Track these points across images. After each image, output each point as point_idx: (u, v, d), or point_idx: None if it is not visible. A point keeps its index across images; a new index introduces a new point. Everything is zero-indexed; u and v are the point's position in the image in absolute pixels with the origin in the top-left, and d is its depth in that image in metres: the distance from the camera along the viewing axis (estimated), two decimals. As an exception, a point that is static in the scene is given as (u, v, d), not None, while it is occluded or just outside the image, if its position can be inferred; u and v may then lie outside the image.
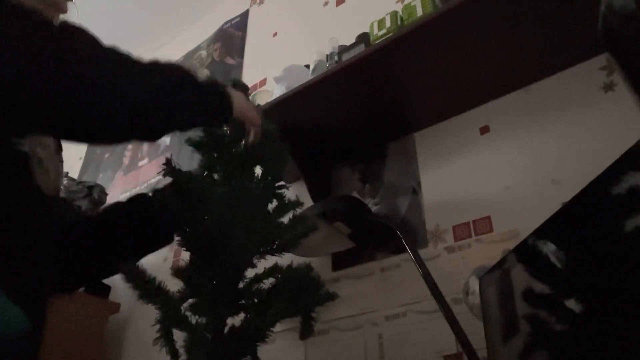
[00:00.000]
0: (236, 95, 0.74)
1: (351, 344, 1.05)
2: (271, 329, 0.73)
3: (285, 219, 0.81)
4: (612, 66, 0.94)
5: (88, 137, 0.58)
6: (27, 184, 0.55)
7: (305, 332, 0.77)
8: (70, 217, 0.81)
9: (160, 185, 0.89)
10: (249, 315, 0.74)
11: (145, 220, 0.81)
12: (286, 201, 0.80)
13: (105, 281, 1.60)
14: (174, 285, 0.76)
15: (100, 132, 0.56)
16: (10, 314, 0.45)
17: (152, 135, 0.65)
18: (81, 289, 1.55)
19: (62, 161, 0.65)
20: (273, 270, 0.78)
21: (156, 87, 0.60)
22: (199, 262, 0.74)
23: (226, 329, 0.72)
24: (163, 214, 0.82)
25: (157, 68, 0.62)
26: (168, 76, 0.63)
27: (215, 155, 0.83)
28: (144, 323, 1.46)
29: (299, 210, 0.83)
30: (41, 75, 0.48)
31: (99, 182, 1.94)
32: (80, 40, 0.53)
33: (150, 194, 0.86)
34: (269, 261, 0.78)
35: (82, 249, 0.72)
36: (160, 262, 1.59)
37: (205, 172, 0.83)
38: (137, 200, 0.84)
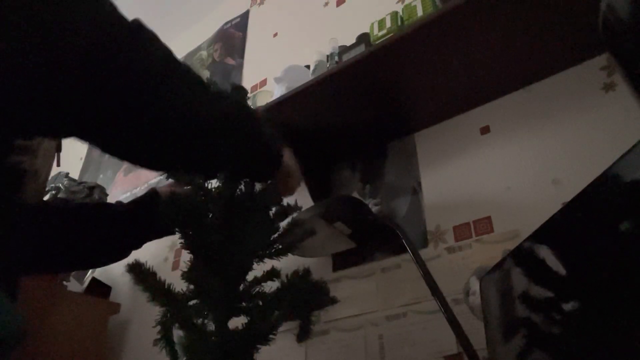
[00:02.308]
0: (287, 152, 0.76)
1: (352, 344, 1.05)
2: (274, 332, 0.73)
3: (284, 223, 0.81)
4: (612, 66, 0.94)
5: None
6: (11, 201, 0.52)
7: (302, 335, 0.77)
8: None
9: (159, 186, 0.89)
10: (251, 318, 0.74)
11: (102, 230, 0.82)
12: (285, 205, 0.81)
13: (106, 281, 1.60)
14: (176, 285, 0.76)
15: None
16: (14, 317, 0.45)
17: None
18: (80, 289, 1.55)
19: (59, 164, 0.64)
20: (271, 273, 0.79)
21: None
22: (202, 264, 0.74)
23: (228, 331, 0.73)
24: (129, 228, 0.83)
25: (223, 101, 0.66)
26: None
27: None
28: (145, 323, 1.46)
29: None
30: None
31: (99, 182, 1.94)
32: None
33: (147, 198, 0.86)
34: (267, 264, 0.79)
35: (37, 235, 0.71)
36: (160, 262, 1.58)
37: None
38: (104, 208, 0.84)
